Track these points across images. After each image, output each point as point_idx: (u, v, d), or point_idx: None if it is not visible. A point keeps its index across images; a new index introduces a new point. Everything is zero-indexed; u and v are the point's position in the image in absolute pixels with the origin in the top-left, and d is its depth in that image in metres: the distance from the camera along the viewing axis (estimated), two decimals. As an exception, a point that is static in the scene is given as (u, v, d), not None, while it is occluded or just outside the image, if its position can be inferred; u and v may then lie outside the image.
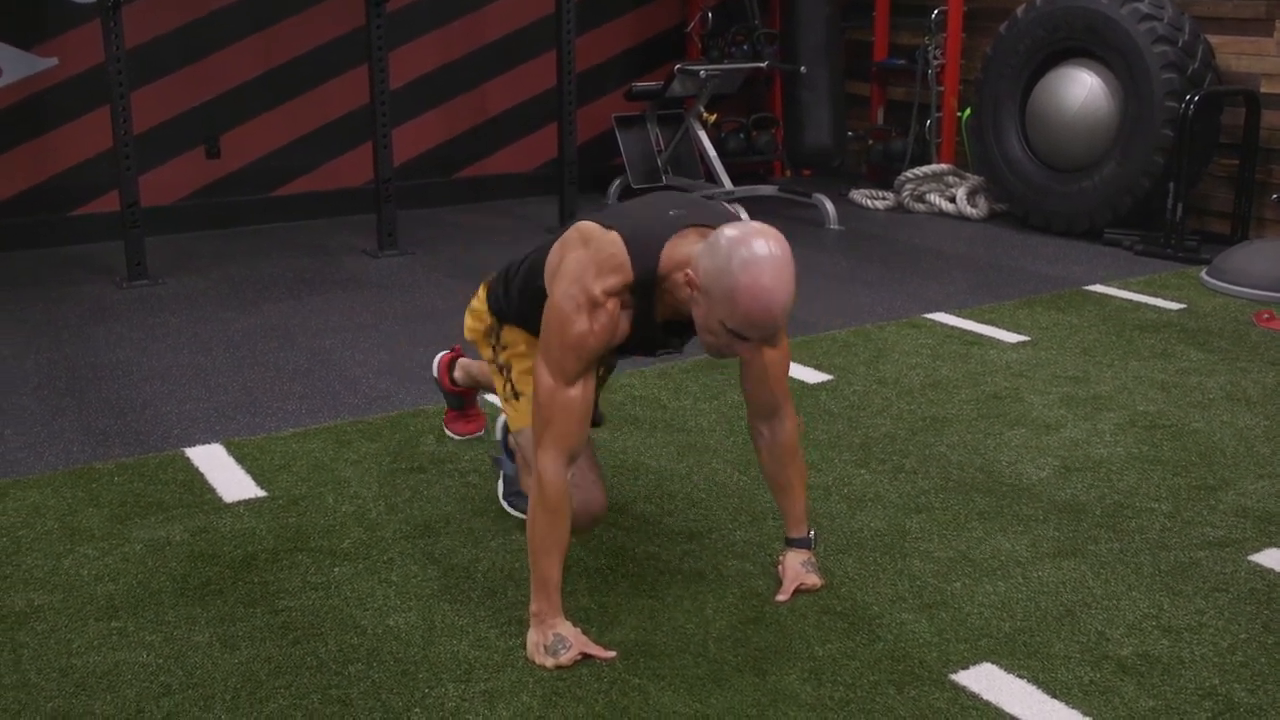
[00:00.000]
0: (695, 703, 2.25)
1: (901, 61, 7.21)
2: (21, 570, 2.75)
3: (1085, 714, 2.22)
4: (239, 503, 3.09)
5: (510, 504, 3.04)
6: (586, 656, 2.37)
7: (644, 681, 2.31)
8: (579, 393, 2.33)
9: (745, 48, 6.71)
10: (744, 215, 2.49)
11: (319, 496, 3.13)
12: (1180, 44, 5.55)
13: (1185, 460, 3.35)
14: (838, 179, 7.49)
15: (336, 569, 2.75)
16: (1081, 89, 5.87)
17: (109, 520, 2.99)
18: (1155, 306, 4.84)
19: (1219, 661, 2.38)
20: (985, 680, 2.32)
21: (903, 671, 2.35)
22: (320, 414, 3.73)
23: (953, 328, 4.57)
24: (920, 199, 6.73)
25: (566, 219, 5.70)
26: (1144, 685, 2.31)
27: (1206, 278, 5.17)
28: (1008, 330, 4.52)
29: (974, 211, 6.50)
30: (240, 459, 3.36)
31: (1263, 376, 4.01)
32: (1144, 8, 5.60)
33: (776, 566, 2.71)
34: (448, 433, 3.49)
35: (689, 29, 7.30)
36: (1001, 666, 2.37)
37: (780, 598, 2.60)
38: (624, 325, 2.35)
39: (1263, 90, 5.65)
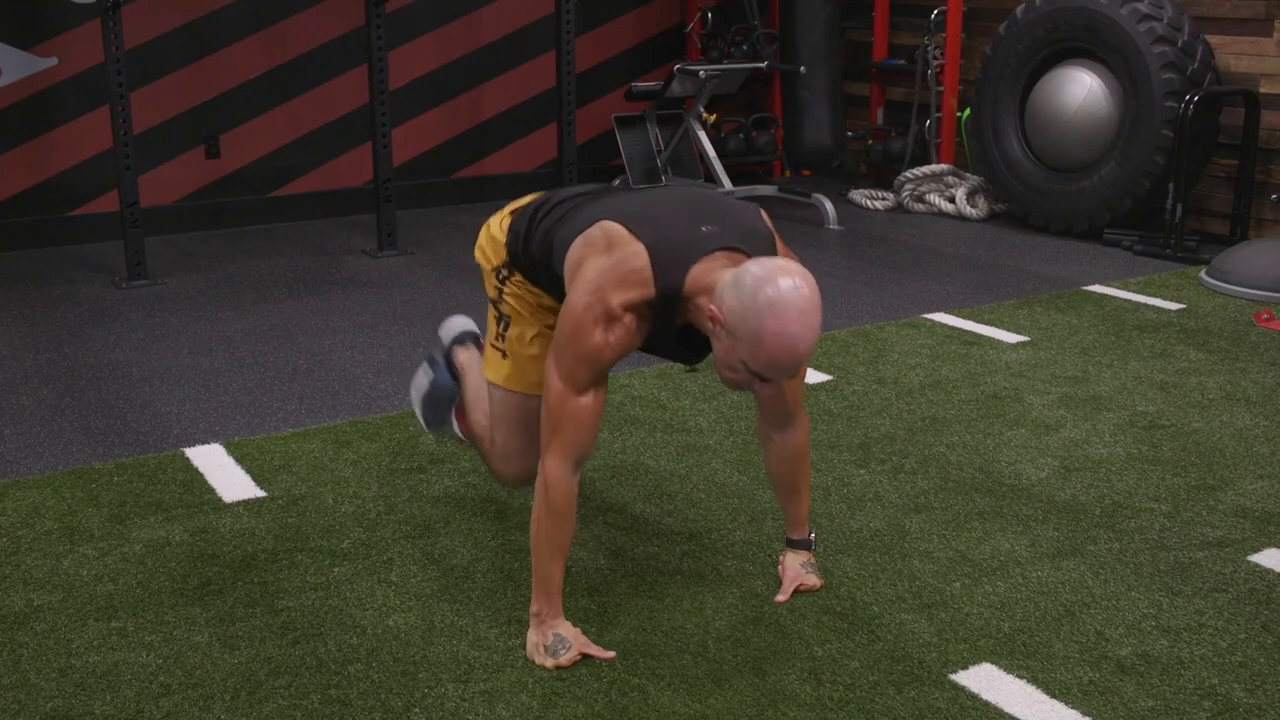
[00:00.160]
0: (695, 703, 2.25)
1: (901, 61, 7.21)
2: (21, 570, 2.75)
3: (1085, 714, 2.22)
4: (238, 503, 3.09)
5: (426, 410, 2.99)
6: (586, 656, 2.37)
7: (643, 681, 2.31)
8: (590, 401, 2.30)
9: (745, 48, 6.71)
10: (766, 220, 2.43)
11: (318, 496, 3.13)
12: (1180, 44, 5.55)
13: (1185, 460, 3.35)
14: (837, 179, 7.50)
15: (336, 569, 2.75)
16: (1081, 89, 5.87)
17: (108, 520, 2.99)
18: (1155, 307, 4.84)
19: (1218, 661, 2.39)
20: (985, 680, 2.33)
21: (902, 671, 2.35)
22: (320, 414, 3.73)
23: (952, 328, 4.57)
24: (920, 199, 6.73)
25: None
26: (1143, 685, 2.31)
27: (1206, 278, 5.17)
28: (1007, 330, 4.52)
29: (973, 212, 6.50)
30: (240, 459, 3.36)
31: (1262, 376, 4.01)
32: (1143, 8, 5.60)
33: (776, 567, 2.71)
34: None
35: (688, 29, 7.31)
36: (1001, 666, 2.37)
37: (780, 598, 2.60)
38: (639, 337, 2.31)
39: (1262, 90, 5.65)
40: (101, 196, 6.00)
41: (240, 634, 2.49)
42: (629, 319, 2.26)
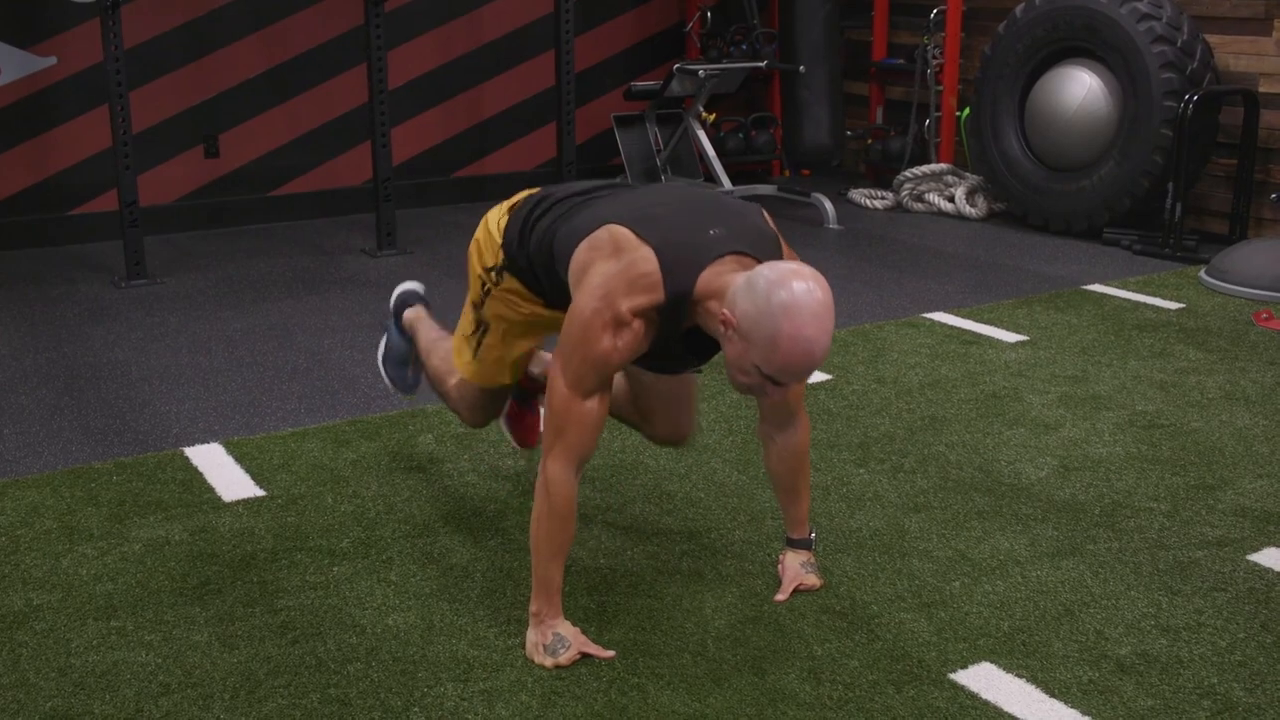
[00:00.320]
0: (694, 702, 2.25)
1: (900, 61, 7.21)
2: (20, 570, 2.75)
3: (1084, 713, 2.22)
4: (238, 502, 3.09)
5: (387, 369, 3.24)
6: (585, 656, 2.37)
7: (643, 681, 2.32)
8: (595, 405, 2.30)
9: (744, 47, 6.71)
10: (768, 220, 2.44)
11: (318, 496, 3.13)
12: (1179, 43, 5.55)
13: (1184, 460, 3.35)
14: (836, 178, 7.50)
15: (335, 568, 2.75)
16: (1080, 88, 5.87)
17: (108, 520, 2.99)
18: (1154, 306, 4.84)
19: (1217, 661, 2.39)
20: (984, 679, 2.33)
21: (901, 671, 2.35)
22: (319, 413, 3.73)
23: (951, 327, 4.57)
24: (919, 198, 6.73)
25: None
26: (1142, 684, 2.31)
27: (1205, 277, 5.17)
28: (1006, 330, 4.52)
29: (973, 211, 6.50)
30: (239, 458, 3.36)
31: (1261, 376, 4.01)
32: (1143, 7, 5.60)
33: (776, 566, 2.71)
34: (505, 432, 3.22)
35: (688, 28, 7.30)
36: (1000, 666, 2.37)
37: (779, 597, 2.60)
38: (646, 342, 2.30)
39: (1261, 90, 5.65)
40: (101, 196, 6.00)
41: (239, 633, 2.49)
42: (638, 324, 2.25)
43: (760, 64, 6.58)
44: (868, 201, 6.84)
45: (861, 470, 3.28)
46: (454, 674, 2.35)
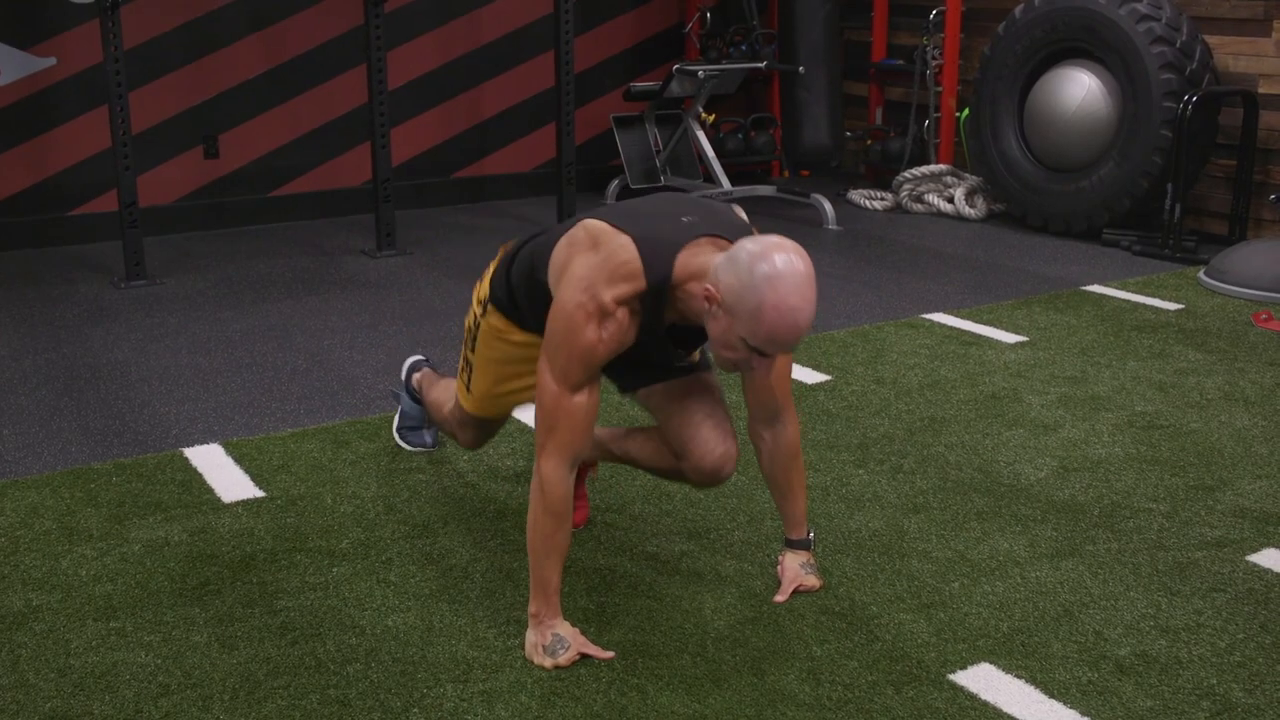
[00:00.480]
0: (694, 703, 2.25)
1: (900, 62, 7.22)
2: (20, 570, 2.75)
3: (1083, 714, 2.22)
4: (237, 503, 3.09)
5: (401, 436, 3.42)
6: (585, 656, 2.37)
7: (642, 681, 2.32)
8: (584, 400, 2.30)
9: (743, 48, 6.71)
10: (743, 216, 2.47)
11: (317, 497, 3.13)
12: (1178, 44, 5.55)
13: (1183, 460, 3.35)
14: (836, 179, 7.50)
15: (335, 569, 2.75)
16: (1079, 89, 5.87)
17: (107, 520, 2.99)
18: (1153, 307, 4.84)
19: (1217, 661, 2.39)
20: (983, 680, 2.33)
21: (901, 671, 2.35)
22: (319, 414, 3.73)
23: (951, 328, 4.57)
24: (918, 199, 6.73)
25: (565, 219, 5.70)
26: (1142, 685, 2.31)
27: (1204, 278, 5.17)
28: (1006, 330, 4.52)
29: (972, 212, 6.51)
30: (238, 459, 3.36)
31: (1260, 377, 4.02)
32: (1142, 8, 5.60)
33: (775, 567, 2.71)
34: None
35: (687, 29, 7.31)
36: (1000, 666, 2.37)
37: (778, 598, 2.60)
38: (631, 333, 2.31)
39: (1260, 91, 5.65)
40: (100, 196, 6.00)
41: (239, 634, 2.49)
42: (622, 314, 2.26)
43: (760, 65, 6.59)
44: (867, 202, 6.84)
45: (861, 471, 3.28)
46: (453, 675, 2.35)
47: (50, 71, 5.84)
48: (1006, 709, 2.24)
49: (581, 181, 6.64)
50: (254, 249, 5.93)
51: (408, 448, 3.41)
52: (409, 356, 3.46)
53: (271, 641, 2.46)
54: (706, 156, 6.59)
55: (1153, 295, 5.00)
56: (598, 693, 2.28)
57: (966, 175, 6.70)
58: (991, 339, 4.43)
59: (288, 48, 6.34)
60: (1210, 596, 2.63)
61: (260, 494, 3.14)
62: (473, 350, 2.75)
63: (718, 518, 3.00)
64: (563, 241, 2.39)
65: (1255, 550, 2.84)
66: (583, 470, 2.95)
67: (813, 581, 2.65)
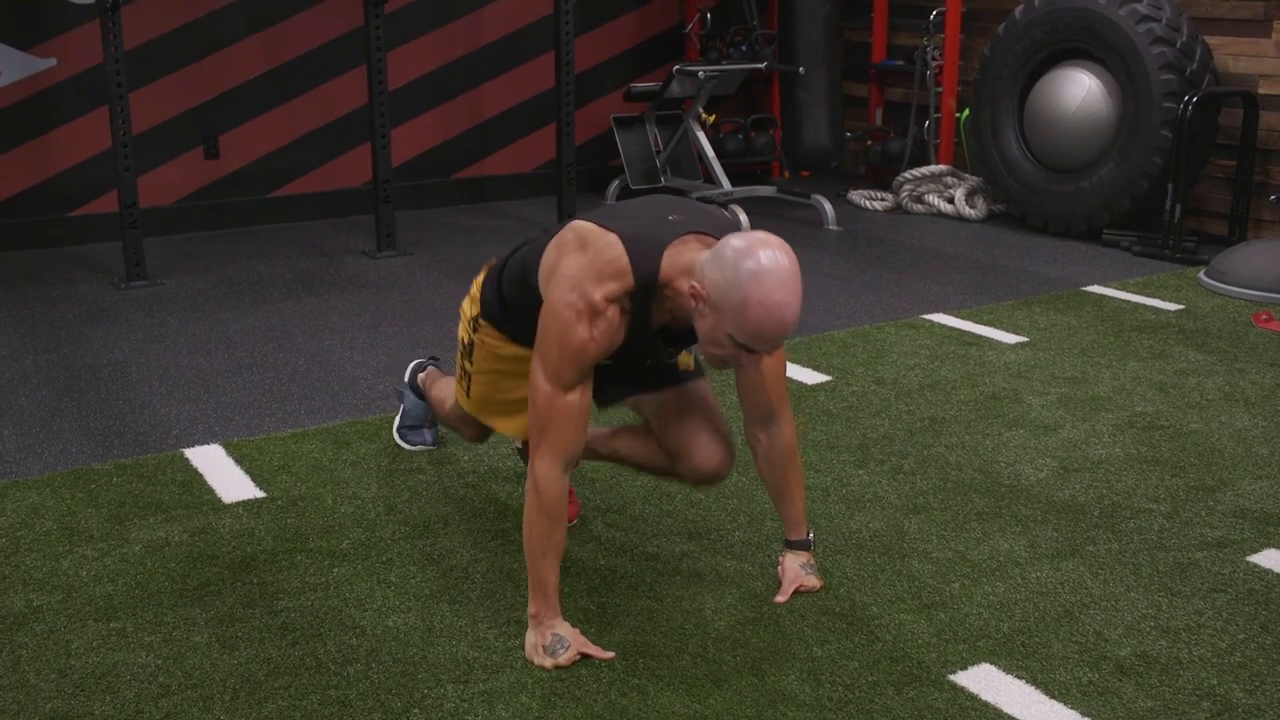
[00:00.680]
0: (694, 703, 2.25)
1: (900, 62, 7.22)
2: (20, 571, 2.75)
3: (1084, 714, 2.22)
4: (238, 503, 3.09)
5: (401, 436, 3.42)
6: (585, 657, 2.37)
7: (643, 682, 2.32)
8: (577, 399, 2.31)
9: (743, 48, 6.71)
10: (743, 219, 2.48)
11: (318, 497, 3.13)
12: (1178, 45, 5.55)
13: (1183, 461, 3.35)
14: (836, 180, 7.50)
15: (335, 570, 2.75)
16: (1080, 90, 5.87)
17: (107, 521, 2.99)
18: (1153, 307, 4.84)
19: (1217, 662, 2.39)
20: (984, 681, 2.33)
21: (901, 672, 2.35)
22: (319, 415, 3.73)
23: (951, 328, 4.57)
24: (918, 200, 6.73)
25: (565, 220, 5.69)
26: (1142, 685, 2.31)
27: (1204, 278, 5.17)
28: (1006, 331, 4.52)
29: (972, 212, 6.51)
30: (239, 460, 3.36)
31: (1260, 377, 4.02)
32: (1142, 8, 5.60)
33: (775, 568, 2.71)
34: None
35: (687, 30, 7.31)
36: (1000, 667, 2.37)
37: (779, 599, 2.60)
38: (621, 332, 2.32)
39: (1260, 91, 5.65)
40: (100, 197, 6.00)
41: (240, 635, 2.49)
42: (612, 312, 2.27)
43: (760, 65, 6.59)
44: (867, 203, 6.84)
45: (861, 471, 3.28)
46: (454, 675, 2.35)
47: (50, 72, 5.84)
48: (1007, 709, 2.24)
49: (582, 182, 6.64)
50: (254, 250, 5.93)
51: (408, 447, 3.41)
52: (414, 359, 3.48)
53: (272, 642, 2.46)
54: (707, 157, 6.59)
55: (1153, 296, 5.00)
56: (598, 693, 2.28)
57: (966, 176, 6.70)
58: (992, 339, 4.43)
59: (288, 48, 6.35)
60: (1211, 597, 2.63)
61: (261, 494, 3.15)
62: (470, 362, 2.76)
63: (718, 518, 3.00)
64: (551, 244, 2.41)
65: (1256, 551, 2.84)
66: None
67: (813, 582, 2.65)
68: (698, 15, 6.98)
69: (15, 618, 2.55)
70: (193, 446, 3.46)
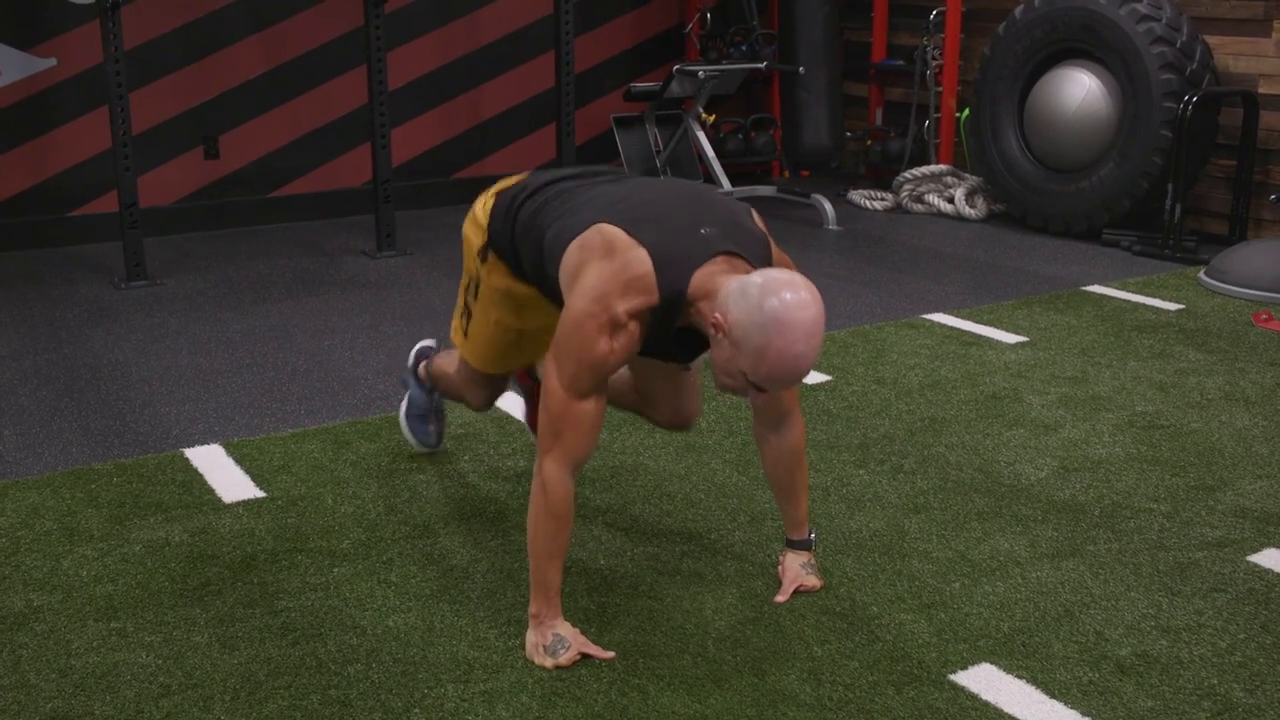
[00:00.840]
0: (694, 703, 2.25)
1: (900, 62, 7.22)
2: (20, 571, 2.75)
3: (1084, 714, 2.22)
4: (238, 503, 3.09)
5: (408, 424, 3.34)
6: (585, 657, 2.37)
7: (643, 681, 2.32)
8: (591, 407, 2.30)
9: (743, 48, 6.71)
10: (758, 221, 2.45)
11: (318, 497, 3.13)
12: (1178, 45, 5.55)
13: (1184, 460, 3.35)
14: (836, 180, 7.50)
15: (336, 569, 2.76)
16: (1080, 89, 5.87)
17: (108, 521, 2.99)
18: (1153, 307, 4.84)
19: (1218, 661, 2.39)
20: (984, 680, 2.33)
21: (902, 672, 2.35)
22: (319, 414, 3.73)
23: (951, 328, 4.57)
24: (918, 199, 6.73)
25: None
26: (1143, 685, 2.31)
27: (1205, 278, 5.17)
28: (1006, 331, 4.52)
29: (972, 212, 6.51)
30: (239, 459, 3.36)
31: (1261, 377, 4.02)
32: (1142, 8, 5.60)
33: (776, 567, 2.71)
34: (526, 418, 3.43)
35: (687, 30, 7.31)
36: (1000, 667, 2.37)
37: (779, 598, 2.60)
38: (641, 343, 2.31)
39: (1261, 91, 5.65)
40: (100, 197, 6.00)
41: (240, 634, 2.49)
42: (633, 326, 2.26)
43: (760, 65, 6.59)
44: (867, 203, 6.84)
45: (861, 471, 3.28)
46: (454, 675, 2.35)
47: (50, 72, 5.84)
48: (1007, 709, 2.24)
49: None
50: (254, 250, 5.93)
51: (411, 438, 3.35)
52: (418, 343, 3.44)
53: (272, 642, 2.46)
54: (707, 157, 6.59)
55: (1153, 295, 5.00)
56: (598, 693, 2.28)
57: (967, 175, 6.70)
58: (992, 339, 4.43)
59: (288, 48, 6.35)
60: (1211, 597, 2.63)
61: (261, 494, 3.15)
62: (475, 297, 2.75)
63: (718, 518, 3.00)
64: (576, 244, 2.35)
65: (1256, 550, 2.84)
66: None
67: (813, 582, 2.65)
68: (698, 15, 6.98)
69: (15, 618, 2.55)
70: (193, 446, 3.46)
